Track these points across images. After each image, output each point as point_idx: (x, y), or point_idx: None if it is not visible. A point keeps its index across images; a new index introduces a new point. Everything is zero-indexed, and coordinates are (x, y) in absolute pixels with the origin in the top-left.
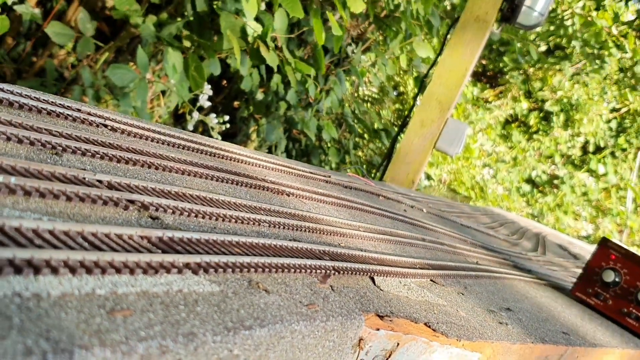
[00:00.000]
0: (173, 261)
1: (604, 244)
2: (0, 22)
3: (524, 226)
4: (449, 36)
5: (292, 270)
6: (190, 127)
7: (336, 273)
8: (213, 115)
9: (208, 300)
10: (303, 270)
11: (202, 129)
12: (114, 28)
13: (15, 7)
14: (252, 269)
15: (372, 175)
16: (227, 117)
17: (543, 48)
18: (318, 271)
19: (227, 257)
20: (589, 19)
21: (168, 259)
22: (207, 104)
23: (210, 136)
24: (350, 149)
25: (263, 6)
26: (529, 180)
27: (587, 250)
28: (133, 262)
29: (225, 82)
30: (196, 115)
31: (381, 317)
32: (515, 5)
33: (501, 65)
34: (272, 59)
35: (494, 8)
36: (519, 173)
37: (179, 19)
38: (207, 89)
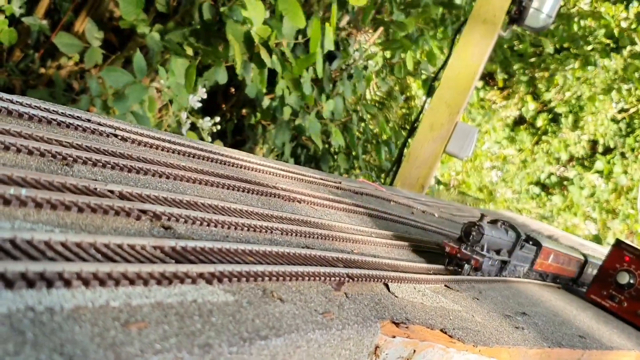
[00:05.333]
0: (187, 271)
1: (618, 246)
2: (8, 34)
3: (535, 229)
4: (457, 39)
5: (306, 278)
6: (183, 130)
7: (350, 280)
8: (207, 118)
9: (223, 311)
10: (317, 278)
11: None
12: (121, 38)
13: (23, 19)
14: (266, 278)
15: (383, 180)
16: (218, 119)
17: (550, 49)
18: (332, 279)
19: (241, 266)
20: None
21: (181, 269)
22: (198, 105)
23: (202, 138)
24: (360, 154)
25: (268, 13)
26: (538, 182)
27: (600, 252)
28: (146, 273)
29: (233, 89)
30: (184, 115)
31: (397, 324)
32: (522, 7)
33: (509, 64)
34: (275, 63)
35: (502, 11)
36: (528, 176)
37: (185, 28)
38: (202, 92)
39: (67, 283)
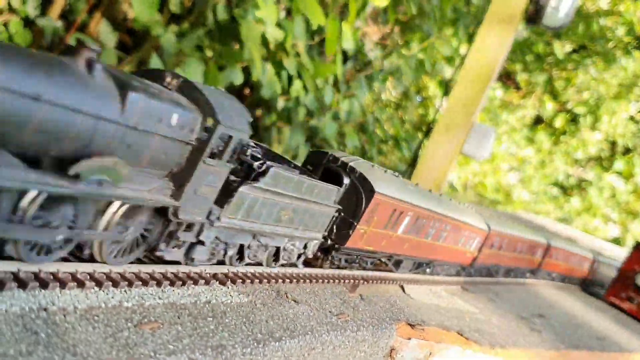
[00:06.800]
0: (200, 272)
1: (638, 248)
2: (22, 35)
3: (553, 231)
4: (473, 39)
5: (320, 280)
6: None
7: (365, 282)
8: None
9: (236, 312)
10: (331, 280)
11: None
12: (135, 39)
13: (37, 20)
14: (280, 279)
15: None
16: None
17: (568, 48)
18: (347, 280)
19: (254, 268)
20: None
21: (195, 269)
22: None
23: None
24: (374, 156)
25: (283, 14)
26: (556, 184)
27: (619, 253)
28: (160, 274)
29: (248, 90)
30: None
31: (412, 326)
32: (540, 6)
33: (524, 64)
34: (291, 66)
35: (518, 10)
36: (546, 177)
37: (200, 28)
38: None
39: (81, 283)
